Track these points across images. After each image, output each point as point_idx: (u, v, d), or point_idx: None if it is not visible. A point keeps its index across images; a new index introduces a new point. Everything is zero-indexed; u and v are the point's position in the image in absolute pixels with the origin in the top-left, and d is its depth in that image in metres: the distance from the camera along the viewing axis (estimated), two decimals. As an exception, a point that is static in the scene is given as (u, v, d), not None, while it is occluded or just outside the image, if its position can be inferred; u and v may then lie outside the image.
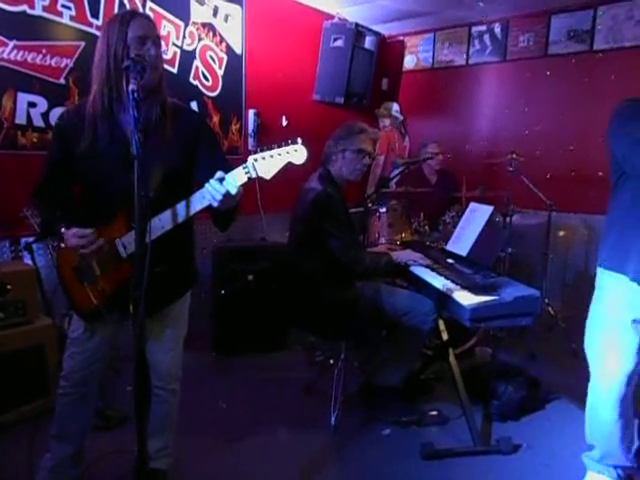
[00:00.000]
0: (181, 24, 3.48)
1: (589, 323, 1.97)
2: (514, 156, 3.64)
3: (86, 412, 1.86)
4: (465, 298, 2.03)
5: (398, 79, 5.32)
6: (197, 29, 3.60)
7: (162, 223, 1.57)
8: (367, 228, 3.37)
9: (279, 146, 1.48)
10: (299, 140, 1.48)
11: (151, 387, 1.40)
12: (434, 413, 2.58)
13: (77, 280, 1.68)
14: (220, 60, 3.80)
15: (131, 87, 1.38)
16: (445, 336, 2.68)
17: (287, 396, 2.85)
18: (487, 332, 3.40)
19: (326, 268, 2.36)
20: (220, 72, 3.82)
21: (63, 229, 1.62)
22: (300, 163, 1.47)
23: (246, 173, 1.48)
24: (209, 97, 3.77)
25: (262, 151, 1.47)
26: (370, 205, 3.33)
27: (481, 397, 2.75)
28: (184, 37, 3.52)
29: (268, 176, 1.48)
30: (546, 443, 2.41)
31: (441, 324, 2.70)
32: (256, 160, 1.47)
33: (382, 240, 3.36)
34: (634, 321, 1.81)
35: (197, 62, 3.64)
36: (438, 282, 2.31)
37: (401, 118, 5.16)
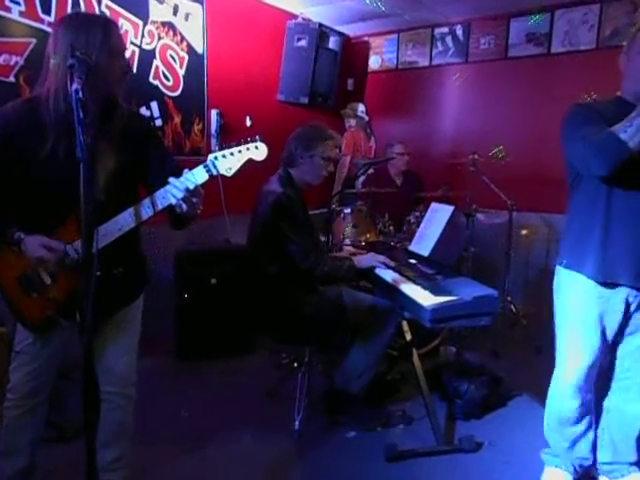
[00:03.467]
0: (139, 23, 3.40)
1: (556, 321, 2.00)
2: (475, 156, 3.70)
3: (36, 424, 1.77)
4: (425, 299, 2.03)
5: (363, 79, 5.34)
6: (157, 28, 3.52)
7: (119, 225, 1.54)
8: (331, 230, 3.36)
9: (239, 144, 1.49)
10: (258, 137, 1.50)
11: (99, 397, 1.34)
12: (399, 414, 2.58)
13: (22, 291, 1.58)
14: (181, 59, 3.72)
15: (75, 86, 1.32)
16: (408, 336, 2.68)
17: (251, 401, 2.81)
18: (451, 331, 3.45)
19: (286, 272, 2.32)
20: (181, 72, 3.74)
21: (21, 235, 1.52)
22: (261, 159, 1.50)
23: (207, 171, 1.48)
24: (170, 97, 3.69)
25: (222, 149, 1.48)
26: (334, 206, 3.32)
27: (445, 396, 2.78)
28: (143, 36, 3.43)
29: (229, 173, 1.50)
30: (507, 440, 2.45)
31: (405, 325, 2.71)
32: (216, 158, 1.48)
33: (347, 241, 3.36)
34: (595, 317, 1.85)
35: (157, 62, 3.55)
36: (399, 283, 2.31)
37: (367, 118, 5.17)
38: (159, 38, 3.55)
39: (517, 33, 4.33)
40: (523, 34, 4.30)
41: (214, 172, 1.48)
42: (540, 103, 4.18)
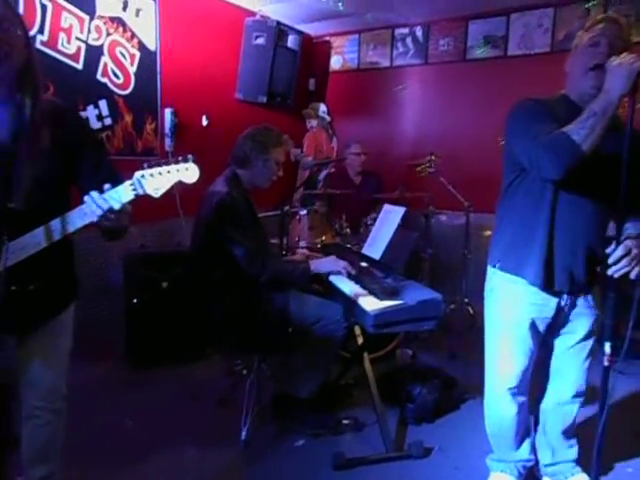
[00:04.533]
0: (85, 17, 3.26)
1: (485, 323, 1.98)
2: (433, 157, 3.69)
3: None
4: (370, 304, 1.99)
5: (325, 79, 5.29)
6: (105, 23, 3.39)
7: (37, 239, 1.43)
8: (286, 231, 3.30)
9: (167, 163, 1.39)
10: (190, 157, 1.40)
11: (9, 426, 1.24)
12: (348, 421, 2.54)
13: None
14: (132, 57, 3.60)
15: None
16: (360, 340, 2.64)
17: (200, 410, 2.72)
18: (409, 334, 3.42)
19: (231, 276, 2.25)
20: (132, 69, 3.62)
21: None
22: (191, 182, 1.40)
23: (133, 190, 1.38)
24: (120, 95, 3.56)
25: (151, 167, 1.38)
26: (288, 208, 3.26)
27: (399, 401, 2.74)
28: (89, 31, 3.30)
29: (157, 194, 1.39)
30: (457, 445, 2.43)
31: (357, 329, 2.67)
32: (143, 176, 1.38)
33: (302, 243, 3.31)
34: (530, 322, 1.83)
35: (105, 58, 3.42)
36: (347, 287, 2.27)
37: (328, 119, 5.13)
38: (107, 34, 3.42)
39: (475, 35, 4.36)
40: (481, 36, 4.32)
41: (140, 192, 1.38)
42: (497, 105, 4.18)
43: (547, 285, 1.76)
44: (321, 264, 2.46)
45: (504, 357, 1.91)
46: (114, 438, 2.43)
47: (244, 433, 2.37)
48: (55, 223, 1.43)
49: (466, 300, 3.85)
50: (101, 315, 3.39)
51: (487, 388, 2.01)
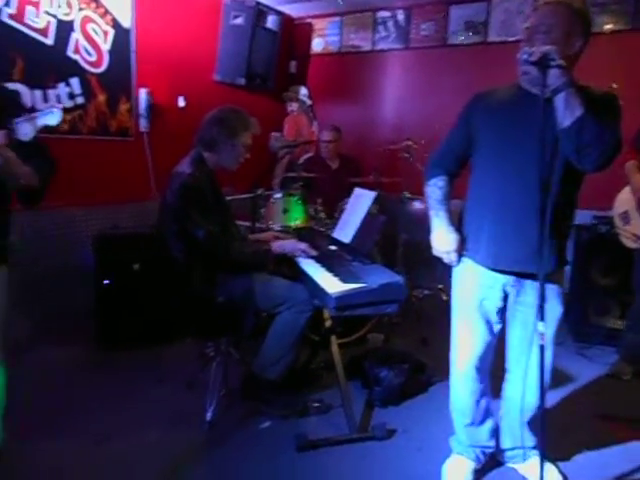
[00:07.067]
0: (55, -9, 3.18)
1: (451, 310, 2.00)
2: (409, 143, 3.68)
3: None
4: (332, 286, 1.99)
5: (306, 62, 5.24)
6: (76, -2, 3.31)
7: None
8: (259, 214, 3.28)
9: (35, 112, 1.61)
10: (58, 106, 1.73)
11: None
12: (317, 404, 2.55)
13: None
14: (105, 34, 3.53)
15: None
16: (328, 324, 2.65)
17: (168, 392, 2.72)
18: (381, 319, 3.44)
19: (193, 258, 2.23)
20: (105, 47, 3.55)
21: None
22: (54, 124, 1.62)
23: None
24: (93, 74, 3.49)
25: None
26: (263, 191, 3.23)
27: (367, 384, 2.76)
28: (59, 6, 3.22)
29: (26, 138, 1.56)
30: (422, 427, 2.45)
31: (326, 312, 2.66)
32: (16, 123, 1.55)
33: (275, 227, 3.28)
34: (478, 304, 1.85)
35: (77, 34, 3.35)
36: (313, 270, 2.26)
37: (309, 102, 5.09)
38: (79, 9, 3.34)
39: (456, 20, 4.32)
40: (462, 22, 4.29)
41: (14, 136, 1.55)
42: (476, 91, 4.18)
43: (495, 266, 1.77)
44: (281, 246, 2.46)
45: (459, 341, 1.93)
46: (80, 419, 2.42)
47: (209, 414, 2.37)
48: None
49: (440, 286, 3.88)
50: (72, 296, 3.35)
51: (450, 371, 2.03)
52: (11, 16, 2.99)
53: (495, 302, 1.84)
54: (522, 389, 1.82)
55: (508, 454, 2.08)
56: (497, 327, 1.90)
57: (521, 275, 1.78)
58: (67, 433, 2.30)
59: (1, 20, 2.95)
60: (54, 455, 2.14)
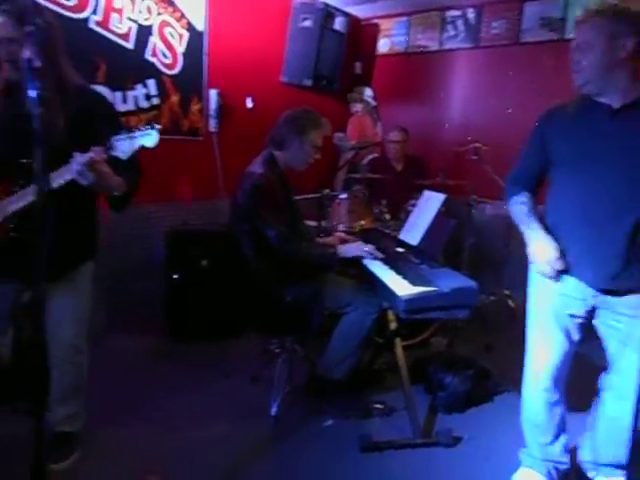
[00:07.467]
0: (137, -2, 3.35)
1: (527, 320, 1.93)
2: (478, 144, 3.59)
3: None
4: (402, 289, 1.97)
5: (372, 63, 5.21)
6: (155, 3, 3.46)
7: (28, 194, 1.63)
8: (325, 215, 3.30)
9: (133, 132, 1.64)
10: (156, 126, 1.65)
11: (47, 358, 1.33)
12: (379, 406, 2.54)
13: None
14: (180, 37, 3.66)
15: (27, 54, 1.28)
16: (393, 326, 2.62)
17: (234, 385, 2.79)
18: (444, 323, 3.37)
19: (264, 257, 2.28)
20: (180, 49, 3.69)
21: None
22: (151, 146, 1.63)
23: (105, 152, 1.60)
24: (168, 75, 3.64)
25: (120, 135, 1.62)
26: (328, 191, 3.25)
27: (430, 389, 2.72)
28: (140, 11, 3.38)
29: (124, 156, 1.61)
30: (489, 436, 2.39)
31: (390, 314, 2.64)
32: (115, 141, 1.60)
33: (340, 227, 3.29)
34: (556, 315, 1.78)
35: (154, 38, 3.50)
36: (381, 272, 2.25)
37: (373, 103, 5.07)
38: (157, 14, 3.49)
39: (531, 17, 4.16)
40: (537, 18, 4.13)
41: (112, 154, 1.60)
42: (551, 91, 4.01)
43: (571, 275, 1.71)
44: (347, 249, 2.46)
45: (537, 350, 1.87)
46: (151, 407, 2.53)
47: (274, 409, 2.41)
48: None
49: (507, 292, 3.75)
50: (144, 289, 3.50)
51: (523, 382, 1.97)
52: (97, 23, 3.17)
53: (577, 312, 1.77)
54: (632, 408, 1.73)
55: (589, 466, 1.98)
56: (576, 337, 1.82)
57: (606, 291, 1.71)
58: (138, 421, 2.40)
59: (89, 27, 3.14)
60: (127, 441, 2.23)
